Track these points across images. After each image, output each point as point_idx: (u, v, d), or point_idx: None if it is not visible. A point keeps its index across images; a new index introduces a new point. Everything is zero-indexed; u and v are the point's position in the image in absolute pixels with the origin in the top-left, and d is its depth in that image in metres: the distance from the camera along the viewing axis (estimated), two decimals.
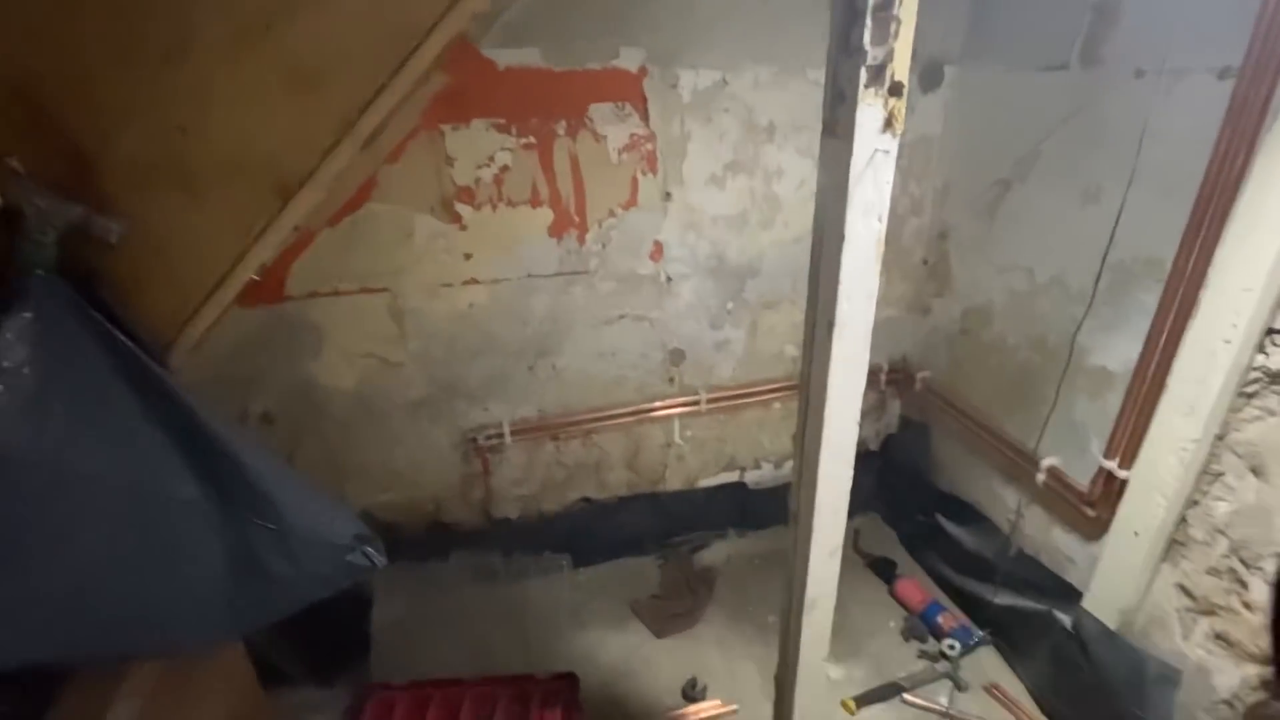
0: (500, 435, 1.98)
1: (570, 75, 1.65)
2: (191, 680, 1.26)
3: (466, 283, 1.80)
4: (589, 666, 1.87)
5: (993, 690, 1.80)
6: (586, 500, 2.21)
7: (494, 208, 1.73)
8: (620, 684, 1.87)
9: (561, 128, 1.69)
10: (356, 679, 1.82)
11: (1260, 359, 1.23)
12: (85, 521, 0.75)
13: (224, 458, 0.84)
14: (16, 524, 0.73)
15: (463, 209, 1.71)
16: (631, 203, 1.83)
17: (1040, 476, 1.69)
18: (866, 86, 0.78)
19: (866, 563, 2.24)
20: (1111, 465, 1.50)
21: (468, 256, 1.77)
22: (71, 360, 0.76)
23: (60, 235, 0.77)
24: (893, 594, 2.11)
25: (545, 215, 1.78)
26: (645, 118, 1.74)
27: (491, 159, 1.68)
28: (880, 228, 0.86)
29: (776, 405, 2.24)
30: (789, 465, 2.37)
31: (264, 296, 1.66)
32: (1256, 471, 1.26)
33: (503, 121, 1.65)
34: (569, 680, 1.71)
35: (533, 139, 1.69)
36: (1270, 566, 1.24)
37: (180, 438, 0.82)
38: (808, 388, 1.06)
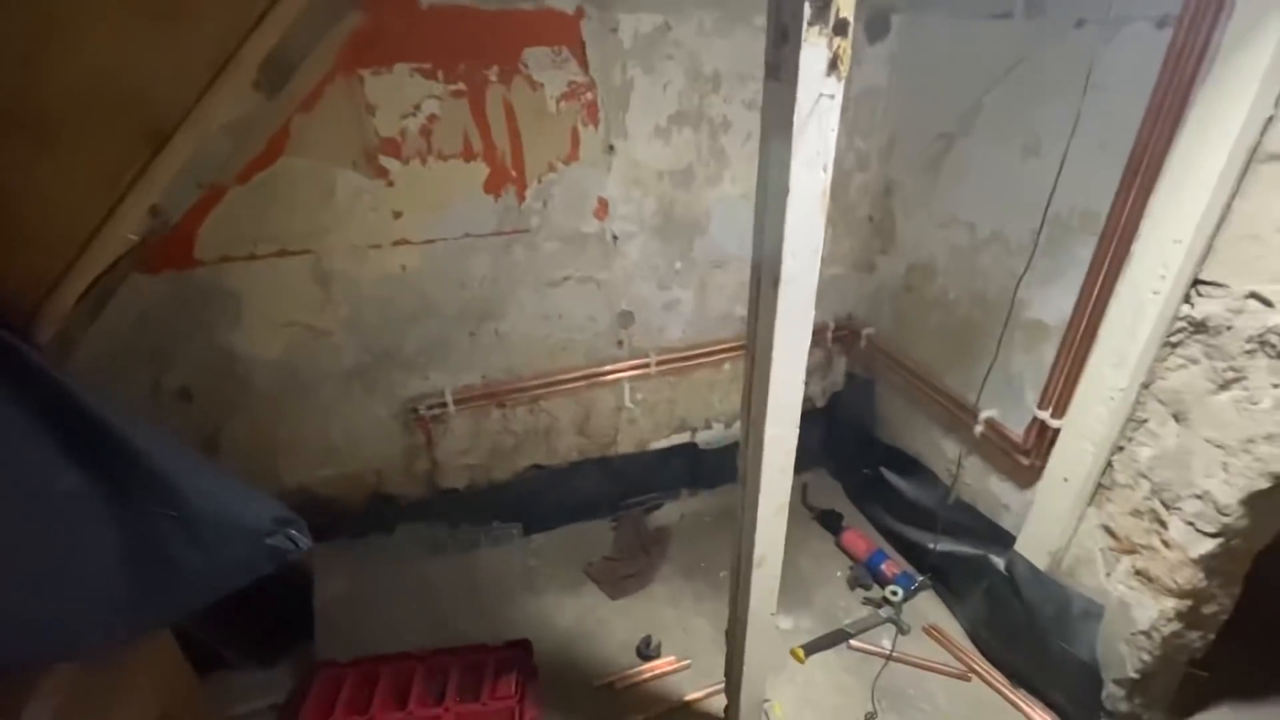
0: (443, 404, 1.90)
1: (501, 15, 1.53)
2: (115, 675, 1.17)
3: (397, 243, 1.69)
4: (544, 632, 1.87)
5: (932, 631, 1.88)
6: (537, 467, 2.17)
7: (423, 161, 1.61)
8: (575, 647, 1.87)
9: (494, 74, 1.58)
10: (301, 659, 1.76)
11: (1185, 309, 1.27)
12: None
13: (110, 442, 0.75)
14: None
15: (389, 163, 1.59)
16: (573, 156, 1.74)
17: (978, 428, 1.74)
18: (810, 24, 0.73)
19: (814, 516, 2.29)
20: (1045, 415, 1.55)
21: (397, 215, 1.66)
22: None
23: None
24: (839, 545, 2.18)
25: (480, 170, 1.67)
26: (584, 64, 1.64)
27: (417, 107, 1.55)
28: (825, 179, 0.83)
29: (726, 366, 2.22)
30: (739, 425, 2.38)
31: (170, 261, 1.52)
32: (1178, 418, 1.32)
33: (428, 66, 1.52)
34: (522, 647, 1.70)
35: (462, 86, 1.57)
36: (1188, 507, 1.31)
37: (56, 423, 0.73)
38: (754, 346, 1.04)
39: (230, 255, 1.57)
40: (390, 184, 1.61)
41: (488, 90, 1.59)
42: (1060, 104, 1.42)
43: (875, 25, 1.88)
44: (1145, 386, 1.37)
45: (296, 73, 1.30)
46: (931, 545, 1.91)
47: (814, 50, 0.75)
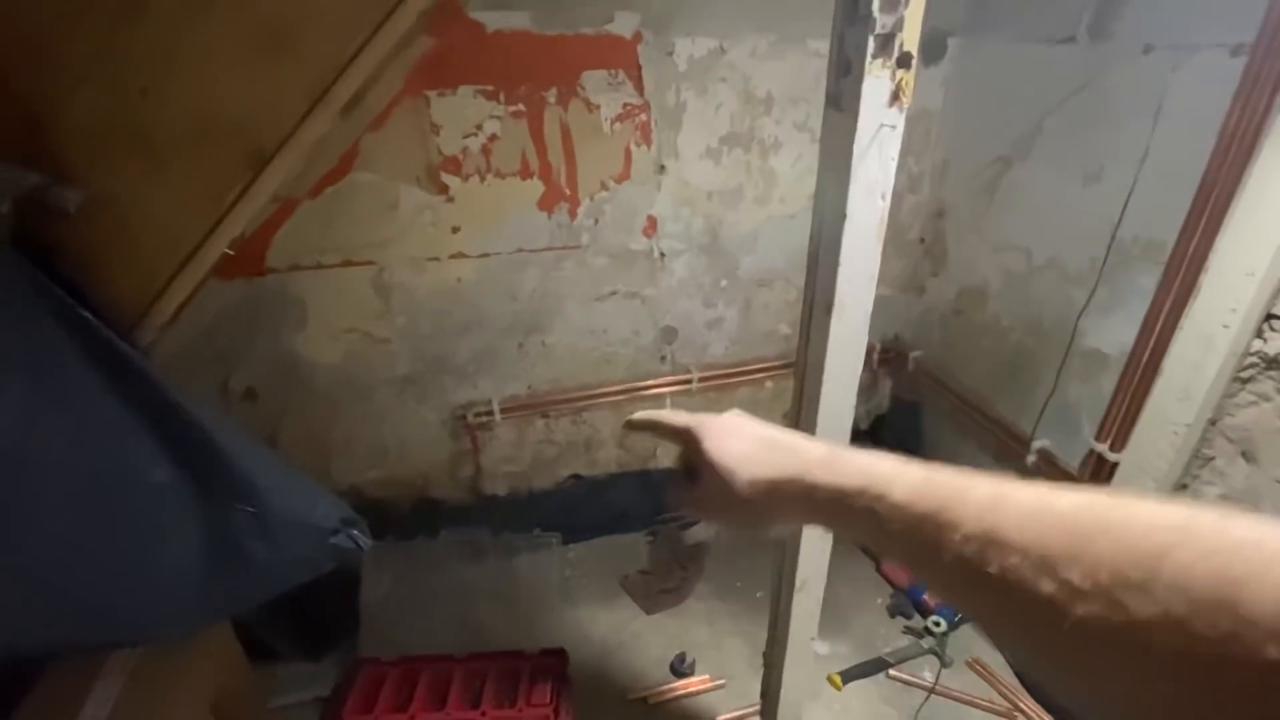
0: (489, 412, 1.95)
1: (562, 40, 1.58)
2: (176, 659, 1.24)
3: (454, 256, 1.75)
4: (578, 642, 1.88)
5: (976, 665, 1.83)
6: (577, 477, 2.20)
7: (482, 179, 1.68)
8: (609, 659, 1.88)
9: (552, 96, 1.63)
10: (345, 654, 1.82)
11: (1258, 344, 1.22)
12: (52, 509, 0.72)
13: (199, 439, 0.81)
14: None
15: (450, 180, 1.66)
16: (624, 175, 1.78)
17: (1030, 458, 1.70)
18: (874, 57, 0.74)
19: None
20: (1102, 448, 1.50)
21: (455, 230, 1.72)
22: (31, 338, 0.72)
23: (15, 205, 0.73)
24: (880, 571, 2.13)
25: (535, 187, 1.73)
26: (639, 87, 1.68)
27: (479, 127, 1.62)
28: (884, 206, 0.83)
29: (769, 384, 2.22)
30: None
31: (244, 269, 1.61)
32: (1247, 456, 1.26)
33: (491, 88, 1.59)
34: (558, 656, 1.72)
35: (522, 107, 1.62)
36: None
37: (152, 419, 0.79)
38: (804, 369, 1.04)
39: (299, 264, 1.65)
40: (450, 200, 1.67)
41: (546, 111, 1.64)
42: (1124, 130, 1.39)
43: (931, 48, 1.87)
44: (1212, 423, 1.31)
45: (369, 95, 1.38)
46: None
47: (876, 82, 0.76)
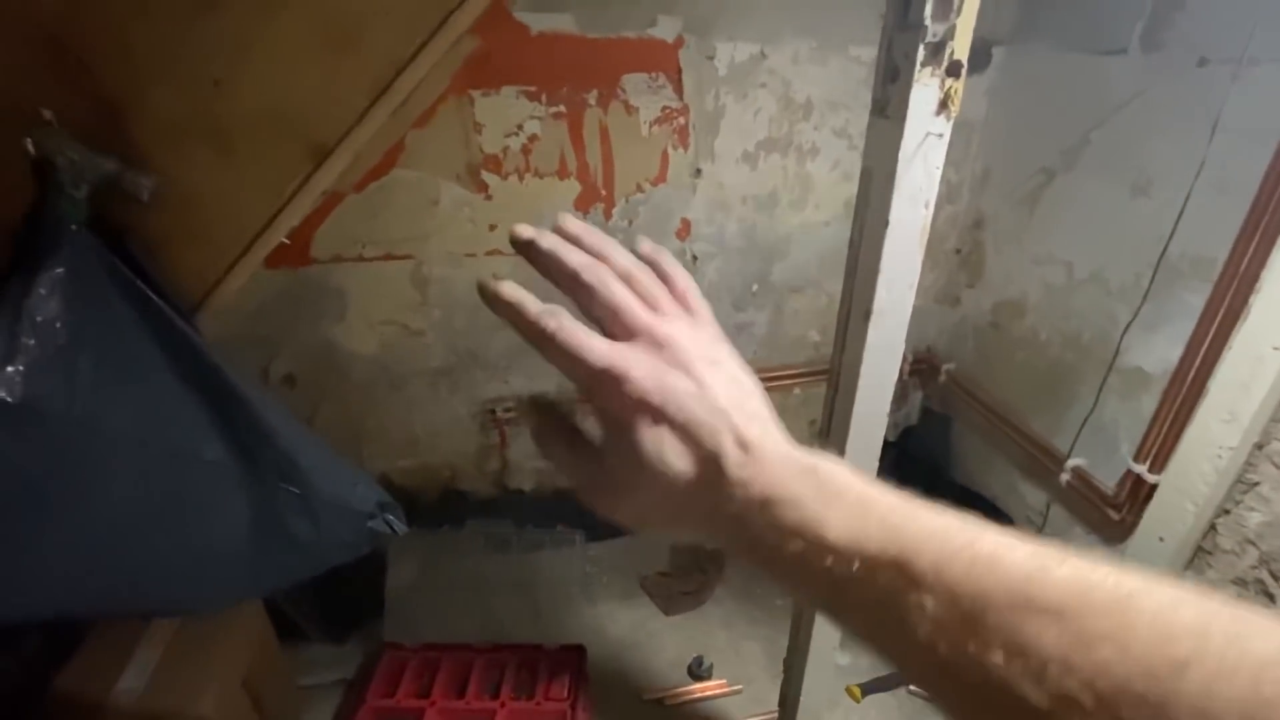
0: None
1: (604, 43, 1.60)
2: (210, 632, 1.29)
3: (490, 253, 1.78)
4: (597, 639, 1.90)
5: None
6: None
7: (521, 178, 1.70)
8: (627, 658, 1.89)
9: (593, 98, 1.65)
10: (370, 638, 1.86)
11: None
12: (113, 477, 0.76)
13: (250, 420, 0.85)
14: (46, 477, 0.73)
15: (489, 178, 1.69)
16: (660, 178, 1.79)
17: (1065, 476, 1.66)
18: (924, 65, 0.74)
19: None
20: (1141, 469, 1.46)
21: (492, 227, 1.75)
22: (102, 316, 0.76)
23: (92, 189, 0.77)
24: None
25: (572, 187, 1.75)
26: (679, 90, 1.69)
27: (520, 127, 1.65)
28: (927, 215, 0.83)
29: (797, 390, 2.21)
30: None
31: (289, 259, 1.65)
32: None
33: (533, 89, 1.61)
34: (577, 652, 1.74)
35: (563, 108, 1.65)
36: None
37: (208, 398, 0.83)
38: (838, 376, 1.04)
39: (341, 255, 1.69)
40: (489, 198, 1.70)
41: (586, 113, 1.66)
42: (1175, 144, 1.36)
43: (976, 56, 1.83)
44: (1259, 447, 1.28)
45: (418, 92, 1.41)
46: None
47: (925, 90, 0.76)
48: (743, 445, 0.33)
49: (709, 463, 0.33)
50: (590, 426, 0.38)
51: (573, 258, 0.37)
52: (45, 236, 0.75)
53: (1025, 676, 0.25)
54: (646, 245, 0.41)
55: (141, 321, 0.78)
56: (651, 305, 0.37)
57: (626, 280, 0.37)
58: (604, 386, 0.34)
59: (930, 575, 0.27)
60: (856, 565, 0.29)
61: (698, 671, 1.82)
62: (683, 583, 2.12)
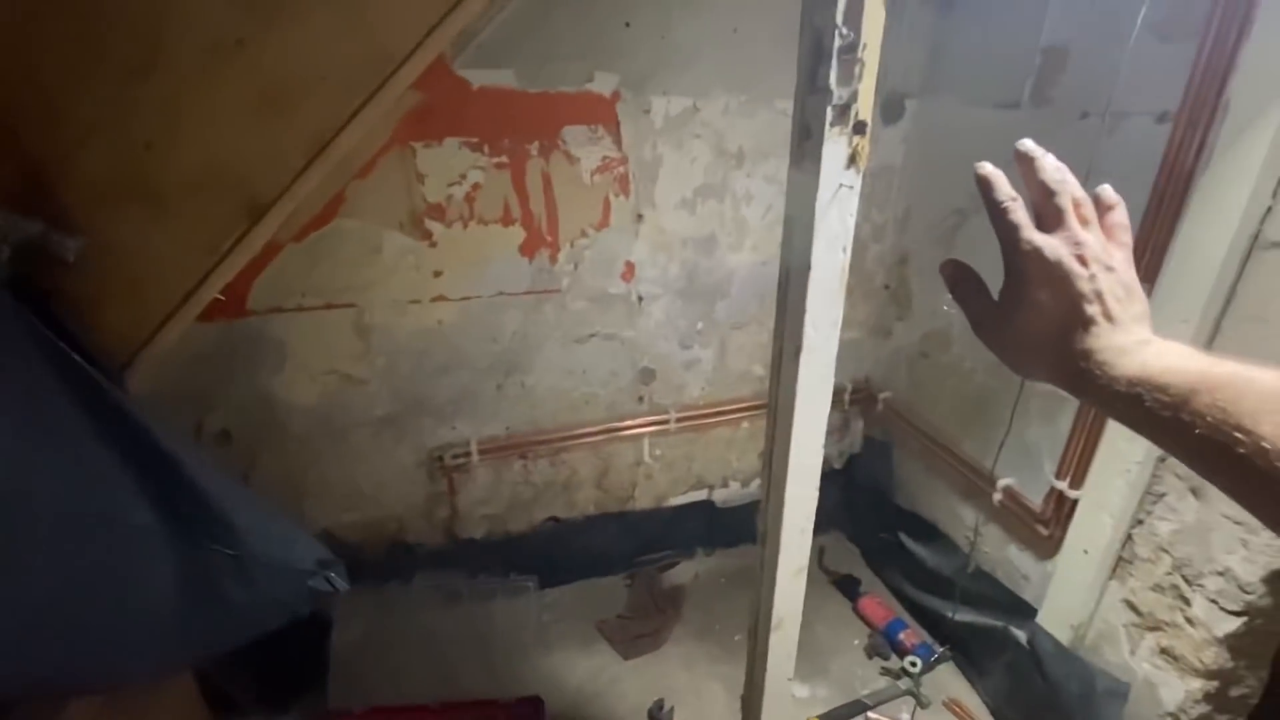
0: (467, 454, 1.95)
1: (544, 97, 1.67)
2: (136, 710, 1.20)
3: (435, 299, 1.79)
4: (555, 690, 1.85)
5: (953, 706, 1.83)
6: (554, 520, 2.19)
7: (465, 225, 1.73)
8: (586, 707, 1.85)
9: (535, 148, 1.71)
10: (312, 706, 1.76)
11: None
12: (34, 547, 0.71)
13: (180, 480, 0.81)
14: None
15: (433, 226, 1.71)
16: (604, 223, 1.85)
17: (996, 496, 1.75)
18: (832, 125, 0.82)
19: (831, 580, 2.27)
20: (1062, 486, 1.56)
21: (437, 274, 1.76)
22: (20, 379, 0.72)
23: (13, 251, 0.75)
24: (856, 611, 2.15)
25: (517, 234, 1.78)
26: (618, 141, 1.76)
27: (463, 177, 1.68)
28: (844, 258, 0.90)
29: (744, 424, 2.26)
30: (756, 483, 2.40)
31: (224, 312, 1.62)
32: (1196, 493, 1.33)
33: (476, 140, 1.66)
34: (534, 704, 1.69)
35: (505, 159, 1.69)
36: (1210, 584, 1.30)
37: (135, 460, 0.79)
38: (775, 411, 1.08)
39: (280, 306, 1.67)
40: (433, 245, 1.72)
41: (528, 163, 1.71)
42: None
43: (890, 108, 2.00)
44: (1162, 460, 1.38)
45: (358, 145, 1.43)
46: (951, 615, 1.88)
47: (834, 147, 0.83)
48: (1108, 317, 0.46)
49: (1080, 323, 0.47)
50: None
51: (1047, 168, 0.51)
52: None
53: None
54: (1108, 190, 0.54)
55: (64, 384, 0.74)
56: (1085, 219, 0.50)
57: (1073, 196, 0.51)
58: (1028, 257, 0.49)
59: (1205, 398, 0.39)
60: (1166, 396, 0.41)
61: (659, 716, 1.80)
62: (640, 624, 2.09)
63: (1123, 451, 1.42)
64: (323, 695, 1.76)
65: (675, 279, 1.99)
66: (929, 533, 2.12)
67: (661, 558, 2.34)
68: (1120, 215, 0.53)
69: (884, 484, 2.31)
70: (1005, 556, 1.82)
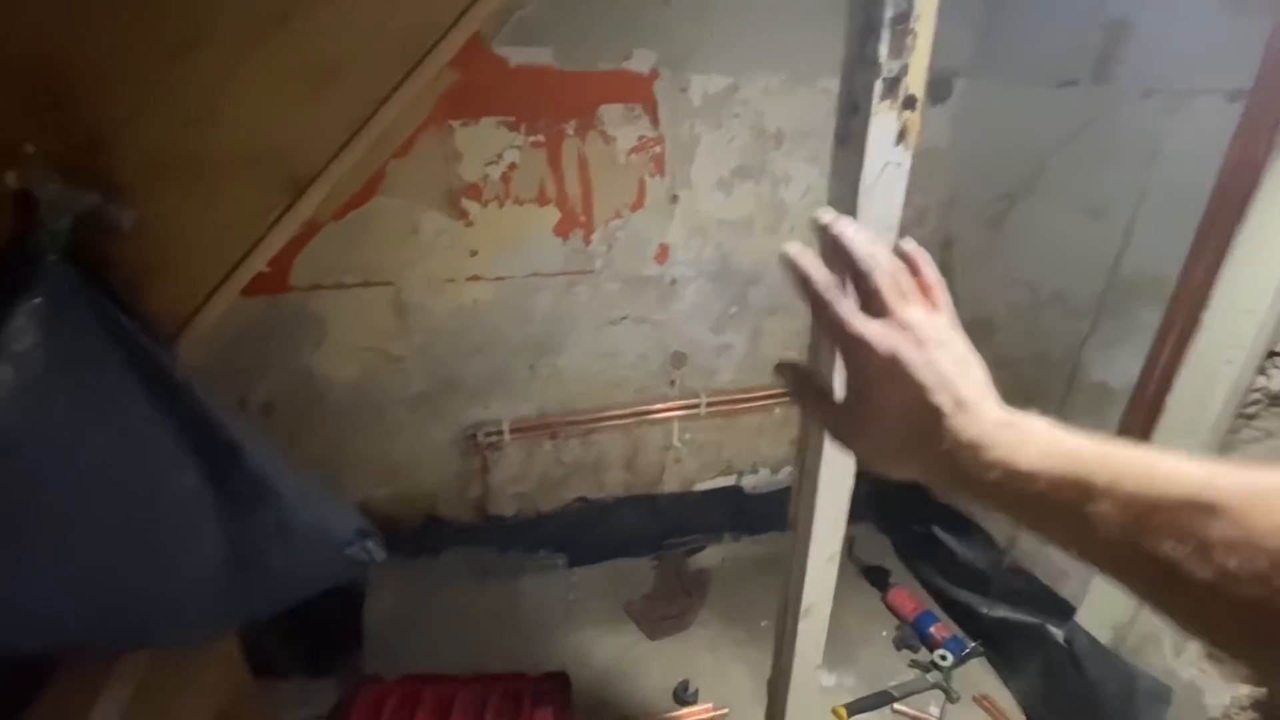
0: (499, 433, 1.97)
1: (581, 75, 1.65)
2: (182, 669, 1.25)
3: (471, 279, 1.80)
4: (581, 667, 1.88)
5: (983, 702, 1.80)
6: (583, 500, 2.21)
7: (501, 205, 1.73)
8: (612, 685, 1.87)
9: (571, 127, 1.69)
10: (348, 672, 1.81)
11: (1261, 381, 1.23)
12: (90, 507, 0.75)
13: (227, 448, 0.84)
14: (19, 508, 0.73)
15: (469, 205, 1.71)
16: (639, 204, 1.83)
17: None
18: (881, 99, 0.78)
19: (860, 570, 2.24)
20: None
21: (473, 253, 1.77)
22: (79, 347, 0.76)
23: (73, 222, 0.77)
24: (885, 603, 2.12)
25: (552, 214, 1.78)
26: (655, 120, 1.74)
27: (500, 156, 1.68)
28: (890, 239, 0.87)
29: (777, 410, 2.24)
30: (786, 471, 2.38)
31: (267, 287, 1.66)
32: None
33: (512, 119, 1.65)
34: (561, 680, 1.71)
35: (542, 138, 1.69)
36: None
37: (185, 426, 0.82)
38: None
39: (320, 283, 1.70)
40: (469, 224, 1.73)
41: (564, 142, 1.70)
42: (1126, 170, 1.43)
43: (938, 88, 1.93)
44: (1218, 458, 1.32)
45: (397, 123, 1.44)
46: (984, 610, 1.85)
47: (883, 123, 0.80)
48: (959, 404, 0.42)
49: (931, 415, 0.42)
50: (834, 383, 0.50)
51: (855, 248, 0.47)
52: (24, 267, 0.75)
53: (1192, 558, 0.30)
54: (910, 244, 0.53)
55: (119, 351, 0.78)
56: (903, 294, 0.47)
57: (888, 274, 0.47)
58: (858, 351, 0.45)
59: (1106, 488, 0.34)
60: (1042, 485, 0.37)
61: (683, 696, 1.81)
62: (666, 606, 2.11)
63: (1176, 448, 1.36)
64: (358, 662, 1.81)
65: (709, 262, 1.96)
66: (963, 525, 2.07)
67: (688, 541, 2.34)
68: (931, 273, 0.50)
69: None
70: (1044, 552, 1.77)
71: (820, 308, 0.46)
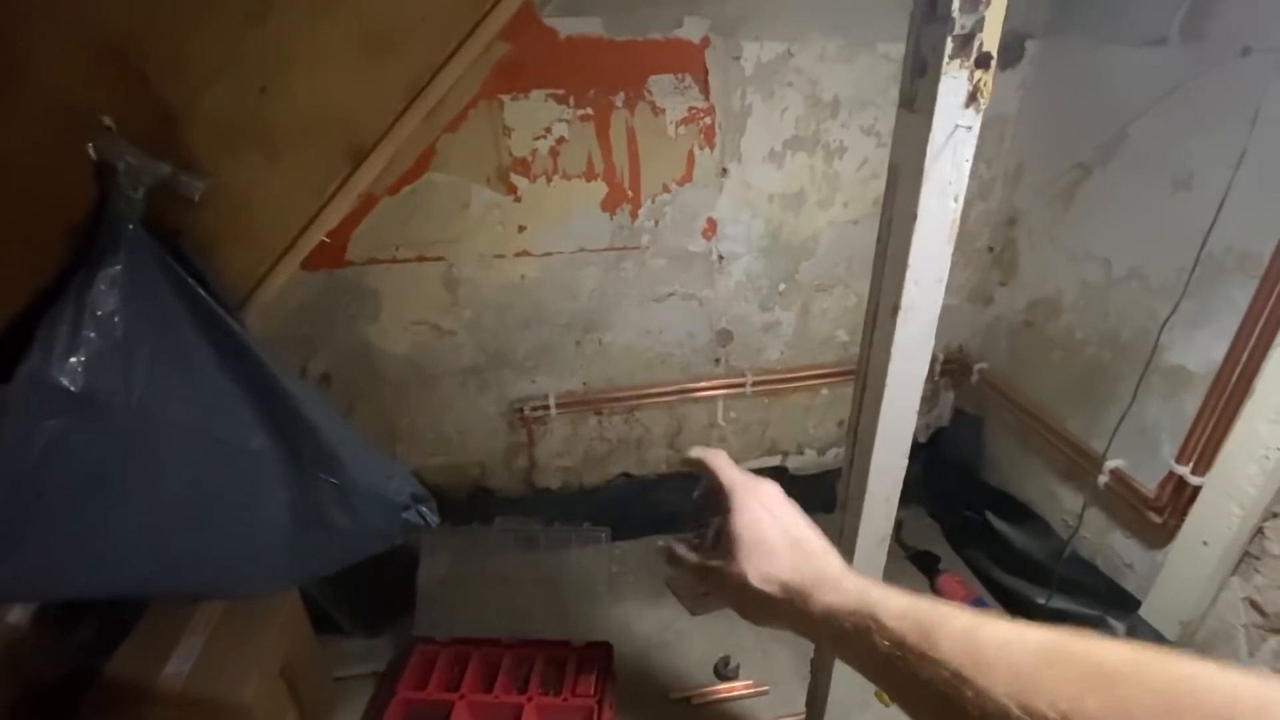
0: (546, 407, 2.00)
1: (631, 45, 1.62)
2: (250, 621, 1.34)
3: (519, 254, 1.81)
4: (623, 637, 1.91)
5: None
6: (626, 475, 2.22)
7: (549, 180, 1.73)
8: (653, 656, 1.90)
9: (620, 100, 1.67)
10: (401, 632, 1.90)
11: None
12: (166, 463, 0.80)
13: (293, 413, 0.88)
14: (106, 462, 0.78)
15: (518, 180, 1.72)
16: (687, 178, 1.80)
17: (1103, 478, 1.62)
18: (952, 57, 0.74)
19: (909, 555, 2.20)
20: (1184, 470, 1.42)
21: (521, 229, 1.78)
22: (156, 311, 0.80)
23: (148, 191, 0.81)
24: (934, 588, 2.07)
25: (599, 189, 1.77)
26: (705, 90, 1.70)
27: (548, 130, 1.67)
28: (956, 208, 0.83)
29: (824, 391, 2.19)
30: (833, 452, 2.34)
31: (326, 261, 1.71)
32: None
33: (561, 92, 1.64)
34: (604, 649, 1.75)
35: (590, 111, 1.67)
36: None
37: (253, 391, 0.86)
38: (865, 373, 1.04)
39: (376, 258, 1.74)
40: (518, 199, 1.74)
41: (613, 115, 1.68)
42: (1219, 136, 1.32)
43: (1008, 50, 1.81)
44: None
45: (449, 97, 1.44)
46: (1042, 601, 1.78)
47: (953, 83, 0.75)
48: (800, 592, 0.53)
49: (780, 601, 0.55)
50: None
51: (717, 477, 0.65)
52: (104, 235, 0.80)
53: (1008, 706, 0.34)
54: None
55: (192, 316, 0.82)
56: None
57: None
58: (711, 580, 0.61)
59: (887, 625, 0.44)
60: (848, 624, 0.47)
61: (724, 671, 1.82)
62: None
63: (1263, 435, 1.27)
64: (410, 623, 1.89)
65: (758, 237, 1.92)
66: (1020, 513, 2.00)
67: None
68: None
69: (972, 460, 2.19)
70: (1107, 543, 1.69)
71: (715, 485, 0.66)
